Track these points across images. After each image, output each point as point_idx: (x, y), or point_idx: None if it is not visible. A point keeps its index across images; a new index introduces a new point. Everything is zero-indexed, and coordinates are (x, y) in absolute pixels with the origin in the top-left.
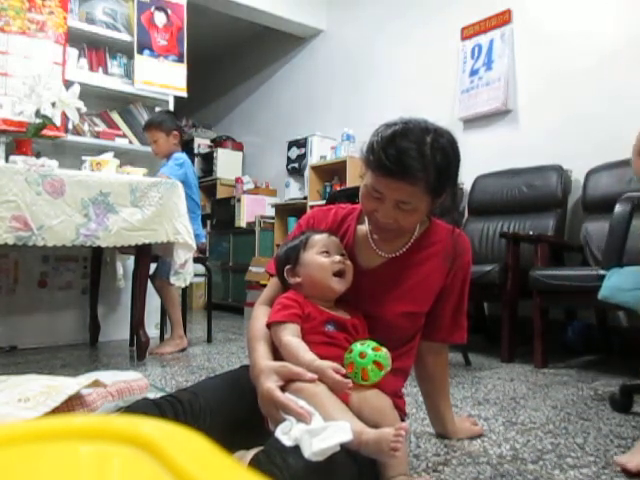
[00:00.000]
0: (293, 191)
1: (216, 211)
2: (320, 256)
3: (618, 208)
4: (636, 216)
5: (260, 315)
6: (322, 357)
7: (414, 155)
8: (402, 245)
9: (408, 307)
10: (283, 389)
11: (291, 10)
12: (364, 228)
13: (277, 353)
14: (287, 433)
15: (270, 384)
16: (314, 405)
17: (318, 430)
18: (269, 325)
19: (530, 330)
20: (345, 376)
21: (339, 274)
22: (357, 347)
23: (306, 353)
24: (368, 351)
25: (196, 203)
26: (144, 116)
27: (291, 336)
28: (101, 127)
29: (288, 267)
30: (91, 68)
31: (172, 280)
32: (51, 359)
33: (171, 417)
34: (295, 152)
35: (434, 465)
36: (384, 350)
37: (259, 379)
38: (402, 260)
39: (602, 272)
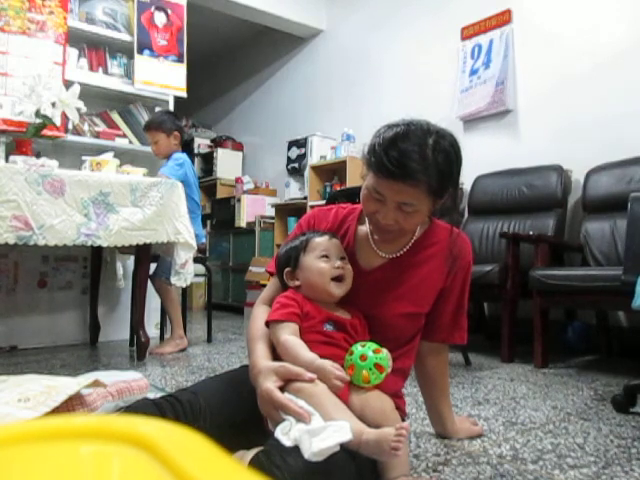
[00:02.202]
0: (293, 191)
1: (216, 211)
2: (320, 261)
3: (635, 208)
4: None
5: (260, 315)
6: (321, 357)
7: (416, 157)
8: (402, 246)
9: (408, 308)
10: (282, 389)
11: (291, 10)
12: (364, 228)
13: (277, 353)
14: (286, 433)
15: (269, 384)
16: (313, 405)
17: (318, 430)
18: (268, 324)
19: (530, 330)
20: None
21: (338, 279)
22: (358, 349)
23: (306, 352)
24: (369, 353)
25: (196, 203)
26: (144, 116)
27: (289, 335)
28: (101, 127)
29: (287, 270)
30: (91, 68)
31: (172, 280)
32: (51, 359)
33: (171, 417)
34: (295, 152)
35: (434, 465)
36: (385, 352)
37: (258, 379)
38: (402, 261)
39: (626, 278)
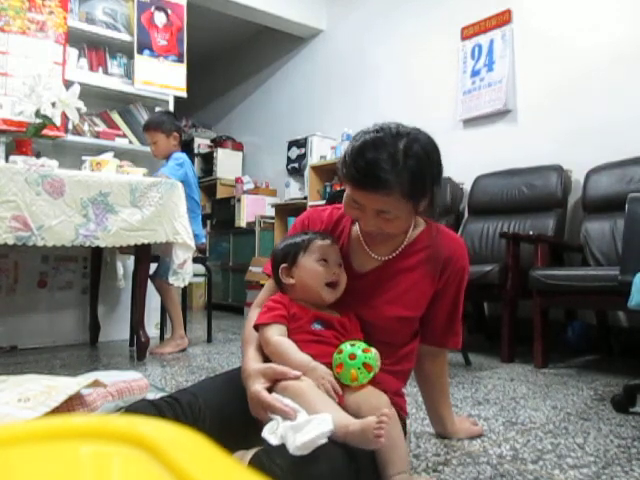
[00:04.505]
0: (293, 191)
1: (216, 211)
2: (318, 264)
3: (632, 209)
4: None
5: (254, 318)
6: (311, 355)
7: (384, 166)
8: (395, 248)
9: (400, 311)
10: (271, 390)
11: (291, 10)
12: (358, 230)
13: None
14: (274, 432)
15: (257, 386)
16: (299, 402)
17: (301, 425)
18: (256, 328)
19: (530, 330)
20: (335, 378)
21: (332, 285)
22: (347, 348)
23: (299, 354)
24: (358, 352)
25: (196, 202)
26: (144, 116)
27: (279, 335)
28: (101, 127)
29: (284, 266)
30: (91, 68)
31: (171, 280)
32: (51, 359)
33: (171, 418)
34: (295, 152)
35: (434, 465)
36: (373, 351)
37: (247, 383)
38: (395, 264)
39: (623, 278)
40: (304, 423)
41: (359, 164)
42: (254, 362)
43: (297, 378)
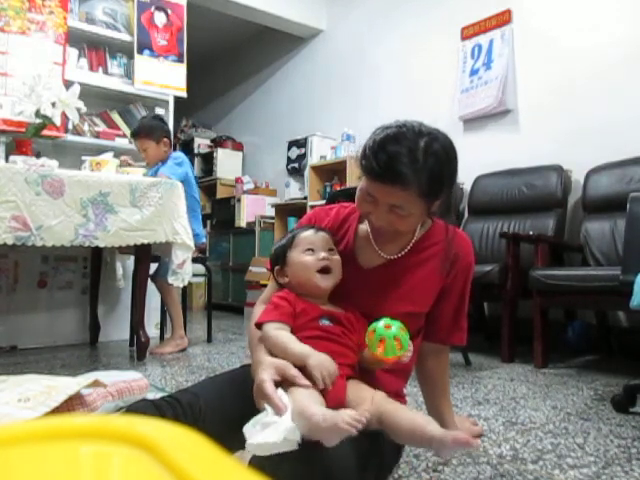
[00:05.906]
0: (293, 191)
1: (216, 211)
2: (304, 255)
3: (634, 208)
4: None
5: (258, 314)
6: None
7: (405, 161)
8: (403, 246)
9: (408, 307)
10: (278, 385)
11: (291, 10)
12: (366, 228)
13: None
14: (255, 425)
15: (264, 375)
16: (291, 394)
17: (269, 423)
18: (259, 326)
19: (530, 330)
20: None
21: (324, 271)
22: (386, 319)
23: (297, 345)
24: (394, 325)
25: (197, 200)
26: None
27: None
28: (101, 127)
29: (277, 268)
30: (91, 68)
31: (170, 280)
32: (51, 359)
33: (171, 418)
34: (295, 152)
35: (434, 465)
36: (408, 336)
37: (257, 371)
38: (403, 261)
39: (625, 278)
40: (272, 424)
41: (380, 157)
42: (267, 354)
43: (305, 387)
